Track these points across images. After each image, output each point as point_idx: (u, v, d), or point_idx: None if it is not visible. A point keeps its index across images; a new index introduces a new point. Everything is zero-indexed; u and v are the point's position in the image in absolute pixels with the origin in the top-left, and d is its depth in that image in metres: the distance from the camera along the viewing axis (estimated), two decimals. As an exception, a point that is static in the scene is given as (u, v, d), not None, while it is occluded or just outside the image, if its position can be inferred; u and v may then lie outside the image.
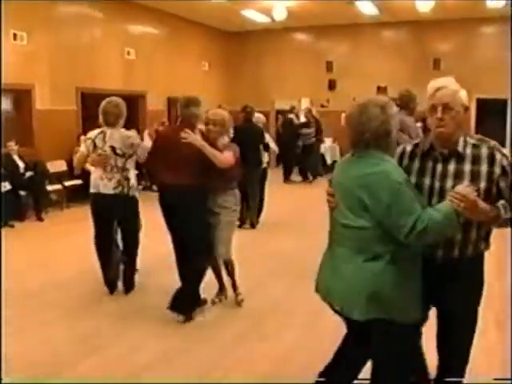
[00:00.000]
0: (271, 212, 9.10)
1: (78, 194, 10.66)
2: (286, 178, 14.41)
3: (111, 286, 5.54)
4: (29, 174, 9.54)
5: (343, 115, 12.25)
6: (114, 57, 12.52)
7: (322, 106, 16.45)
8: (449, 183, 2.79)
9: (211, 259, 5.09)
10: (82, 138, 10.80)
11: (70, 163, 10.82)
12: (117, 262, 5.62)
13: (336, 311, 3.04)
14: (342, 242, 2.88)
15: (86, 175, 10.48)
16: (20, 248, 7.47)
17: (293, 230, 8.52)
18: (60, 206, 10.33)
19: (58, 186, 10.33)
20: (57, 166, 10.68)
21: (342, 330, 4.68)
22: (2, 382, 3.64)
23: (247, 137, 8.00)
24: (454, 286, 2.92)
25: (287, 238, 7.95)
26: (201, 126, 5.10)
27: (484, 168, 2.75)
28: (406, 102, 5.88)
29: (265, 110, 14.82)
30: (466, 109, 2.82)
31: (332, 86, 16.49)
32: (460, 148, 2.80)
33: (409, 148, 3.00)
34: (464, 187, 2.60)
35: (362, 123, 2.71)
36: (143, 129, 10.03)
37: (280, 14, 13.48)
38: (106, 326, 4.82)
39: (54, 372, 3.93)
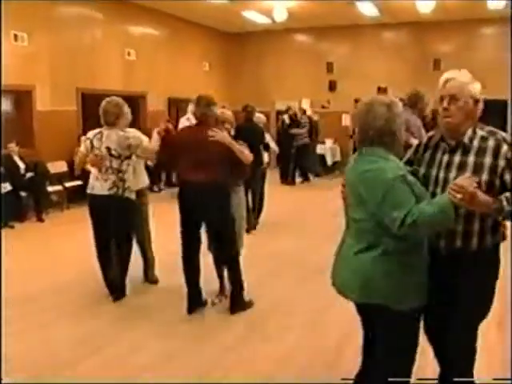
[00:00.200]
0: (271, 212, 9.09)
1: (79, 195, 10.64)
2: (282, 178, 14.20)
3: (111, 287, 5.47)
4: (29, 174, 9.55)
5: (344, 116, 12.37)
6: (115, 57, 12.52)
7: (323, 106, 16.46)
8: (452, 174, 2.82)
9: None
10: (82, 138, 10.83)
11: (70, 164, 10.83)
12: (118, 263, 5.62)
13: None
14: (350, 233, 3.01)
15: (86, 176, 10.52)
16: (20, 249, 7.48)
17: (292, 231, 8.52)
18: (60, 206, 10.33)
19: (58, 187, 10.34)
20: (57, 166, 10.68)
21: (342, 329, 4.70)
22: (2, 382, 3.65)
23: (248, 136, 7.99)
24: (457, 278, 2.94)
25: (287, 238, 7.95)
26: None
27: (488, 160, 2.76)
28: (414, 102, 5.93)
29: (265, 111, 14.81)
30: (477, 101, 2.82)
31: (332, 86, 16.50)
32: (466, 139, 2.83)
33: (424, 140, 3.08)
34: (463, 178, 2.60)
35: (368, 121, 2.79)
36: (144, 129, 10.03)
37: (280, 15, 13.48)
38: (106, 326, 4.82)
39: (54, 372, 3.93)
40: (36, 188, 9.47)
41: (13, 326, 4.66)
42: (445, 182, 2.82)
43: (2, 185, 8.77)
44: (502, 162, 2.74)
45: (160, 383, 3.83)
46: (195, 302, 5.14)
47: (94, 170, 5.35)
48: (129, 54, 12.91)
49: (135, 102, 12.73)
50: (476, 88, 2.83)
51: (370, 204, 2.73)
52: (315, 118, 15.67)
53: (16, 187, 9.14)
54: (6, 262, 6.28)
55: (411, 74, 14.76)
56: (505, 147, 2.75)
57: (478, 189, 2.58)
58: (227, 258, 5.16)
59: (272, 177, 12.21)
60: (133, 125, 5.82)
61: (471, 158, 2.81)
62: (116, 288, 5.44)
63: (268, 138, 9.30)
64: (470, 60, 14.52)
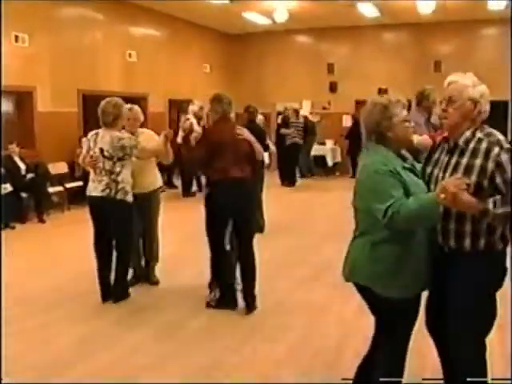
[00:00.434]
0: (270, 213, 9.09)
1: (80, 196, 10.63)
2: (281, 179, 14.02)
3: (103, 291, 5.37)
4: (30, 175, 9.55)
5: (344, 117, 12.36)
6: (116, 59, 12.53)
7: (324, 108, 16.48)
8: (448, 175, 2.88)
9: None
10: (83, 139, 10.86)
11: (71, 165, 10.87)
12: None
13: None
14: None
15: (86, 177, 10.56)
16: (21, 250, 7.48)
17: (292, 231, 8.51)
18: (61, 207, 10.33)
19: (59, 188, 10.34)
20: (58, 167, 10.69)
21: (343, 329, 4.70)
22: (2, 382, 3.65)
23: None
24: (450, 279, 2.97)
25: (287, 238, 7.94)
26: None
27: (478, 162, 2.78)
28: (419, 100, 6.03)
29: (266, 112, 14.86)
30: (476, 103, 2.84)
31: (333, 88, 16.51)
32: (461, 141, 2.87)
33: (438, 140, 3.15)
34: (452, 179, 2.67)
35: (366, 120, 3.04)
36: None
37: (281, 16, 13.51)
38: (107, 326, 4.82)
39: (53, 373, 3.93)
40: (37, 189, 9.47)
41: (13, 326, 4.66)
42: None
43: (3, 186, 8.77)
44: (491, 165, 2.75)
45: (160, 383, 3.83)
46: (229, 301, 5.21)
47: (91, 171, 5.37)
48: (130, 55, 12.92)
49: (136, 103, 12.66)
50: (478, 91, 2.85)
51: (360, 195, 2.98)
52: (313, 118, 15.68)
53: (17, 188, 9.14)
54: (7, 262, 6.27)
55: (412, 75, 14.75)
56: (495, 150, 2.76)
57: (466, 190, 2.61)
58: (250, 254, 5.20)
59: (272, 178, 12.23)
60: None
61: (465, 160, 2.84)
62: (108, 291, 5.37)
63: (267, 139, 9.31)
64: (471, 61, 14.53)
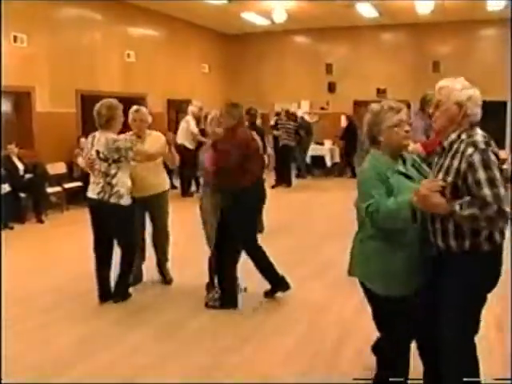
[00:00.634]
0: (269, 214, 9.08)
1: (78, 196, 10.65)
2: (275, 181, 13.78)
3: (100, 292, 5.37)
4: (28, 176, 9.54)
5: (343, 117, 12.37)
6: (114, 59, 12.53)
7: (322, 108, 16.49)
8: (432, 176, 3.00)
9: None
10: (82, 139, 10.84)
11: (69, 165, 10.86)
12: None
13: None
14: None
15: (85, 177, 10.55)
16: (20, 250, 7.47)
17: (292, 232, 8.51)
18: (60, 208, 10.32)
19: (57, 188, 10.33)
20: (56, 168, 10.68)
21: (343, 329, 4.70)
22: (2, 382, 3.65)
23: None
24: (440, 278, 3.01)
25: (286, 239, 7.94)
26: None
27: (455, 163, 2.84)
28: (422, 106, 6.08)
29: (265, 113, 14.86)
30: (462, 106, 2.88)
31: (332, 88, 16.52)
32: (446, 143, 2.95)
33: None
34: (426, 181, 2.83)
35: (363, 125, 3.23)
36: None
37: (280, 17, 13.51)
38: (107, 326, 4.82)
39: (53, 373, 3.93)
40: (35, 189, 9.46)
41: (13, 326, 4.67)
42: None
43: (2, 186, 8.76)
44: (464, 165, 2.79)
45: (160, 383, 3.83)
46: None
47: (91, 173, 5.37)
48: (128, 55, 12.92)
49: (135, 103, 12.71)
50: (465, 94, 2.90)
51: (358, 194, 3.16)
52: (311, 119, 15.68)
53: (15, 188, 9.13)
54: (6, 263, 6.27)
55: (410, 76, 14.78)
56: (469, 150, 2.79)
57: (442, 191, 2.73)
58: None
59: (271, 179, 12.22)
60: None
61: (447, 161, 2.91)
62: (105, 292, 5.38)
63: (266, 140, 9.32)
64: (470, 61, 14.58)
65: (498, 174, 2.73)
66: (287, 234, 8.30)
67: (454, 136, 2.91)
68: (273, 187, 12.76)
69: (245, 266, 5.46)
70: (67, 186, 10.48)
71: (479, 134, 2.88)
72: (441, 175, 2.88)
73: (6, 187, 8.91)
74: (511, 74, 13.44)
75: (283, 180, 13.60)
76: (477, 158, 2.75)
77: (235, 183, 5.14)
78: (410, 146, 3.43)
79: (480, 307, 3.06)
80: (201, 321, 4.94)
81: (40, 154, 10.31)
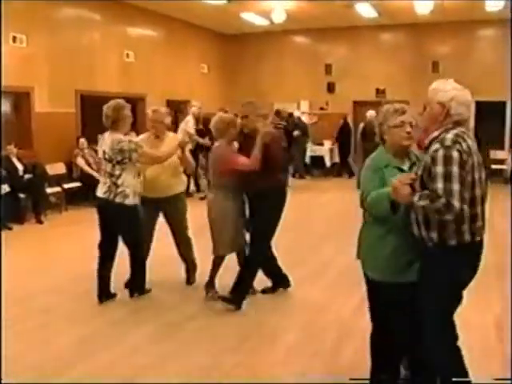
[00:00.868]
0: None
1: (77, 197, 10.68)
2: None
3: (99, 291, 5.39)
4: (28, 176, 9.53)
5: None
6: (113, 59, 12.52)
7: (321, 108, 16.48)
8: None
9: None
10: (82, 140, 10.83)
11: (68, 166, 10.86)
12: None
13: None
14: None
15: (85, 178, 10.57)
16: (19, 250, 7.46)
17: (291, 232, 8.50)
18: (59, 208, 10.31)
19: (57, 189, 10.32)
20: (56, 168, 10.67)
21: (342, 329, 4.70)
22: (3, 382, 3.65)
23: None
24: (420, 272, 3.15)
25: (286, 239, 7.93)
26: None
27: (426, 158, 2.98)
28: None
29: (264, 113, 14.77)
30: (444, 106, 3.00)
31: (331, 88, 16.51)
32: (427, 141, 3.07)
33: None
34: (400, 175, 3.06)
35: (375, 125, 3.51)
36: (143, 132, 10.03)
37: (279, 17, 13.50)
38: (106, 326, 4.82)
39: (53, 373, 3.93)
40: (34, 190, 9.45)
41: (13, 326, 4.67)
42: None
43: (1, 186, 8.75)
44: (428, 159, 2.94)
45: (160, 383, 3.83)
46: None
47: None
48: (127, 55, 12.91)
49: (134, 103, 12.73)
50: (448, 94, 3.00)
51: None
52: (310, 119, 15.67)
53: (14, 189, 9.11)
54: (6, 263, 6.26)
55: (409, 76, 14.78)
56: (435, 146, 2.92)
57: (412, 184, 2.91)
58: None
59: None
60: (132, 127, 5.80)
61: (425, 158, 3.01)
62: (104, 291, 5.40)
63: None
64: (469, 62, 14.58)
65: (456, 171, 2.82)
66: (286, 234, 8.27)
67: (435, 134, 3.01)
68: None
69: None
70: (66, 186, 10.48)
71: (452, 133, 2.95)
72: (420, 170, 3.02)
73: (5, 188, 8.90)
74: (511, 74, 13.44)
75: None
76: (440, 153, 2.87)
77: (272, 182, 5.20)
78: (413, 145, 3.47)
79: (447, 301, 3.12)
80: (200, 321, 4.95)
81: (39, 155, 10.30)
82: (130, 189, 5.18)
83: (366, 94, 15.61)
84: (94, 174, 10.58)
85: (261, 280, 5.57)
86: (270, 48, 16.88)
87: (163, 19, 14.05)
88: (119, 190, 5.14)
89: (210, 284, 5.46)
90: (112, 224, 5.32)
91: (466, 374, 3.15)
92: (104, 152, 5.19)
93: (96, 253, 5.41)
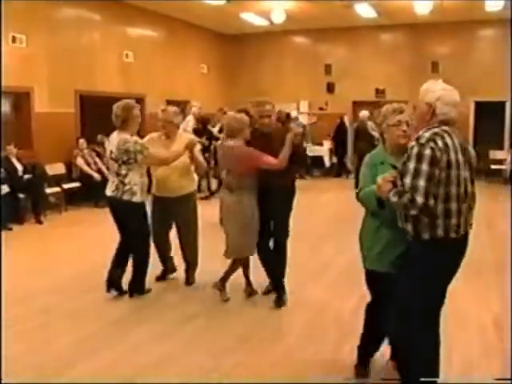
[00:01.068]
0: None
1: (77, 197, 10.68)
2: None
3: (107, 282, 5.51)
4: (27, 176, 9.53)
5: (345, 118, 12.14)
6: (113, 59, 12.52)
7: (321, 108, 16.48)
8: None
9: None
10: (82, 140, 10.83)
11: (68, 166, 10.85)
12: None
13: None
14: None
15: (84, 178, 10.57)
16: (19, 251, 7.45)
17: (290, 232, 8.50)
18: (59, 208, 10.29)
19: (56, 189, 10.31)
20: (55, 168, 10.66)
21: (342, 329, 4.70)
22: (3, 382, 3.65)
23: None
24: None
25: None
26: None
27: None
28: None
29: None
30: (430, 106, 3.10)
31: (330, 88, 16.51)
32: (414, 139, 3.12)
33: None
34: (388, 172, 3.20)
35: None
36: (142, 132, 10.02)
37: (279, 17, 13.51)
38: (106, 326, 4.81)
39: (53, 373, 3.93)
40: (34, 190, 9.44)
41: (13, 326, 4.67)
42: None
43: (1, 186, 8.75)
44: (406, 156, 3.03)
45: (160, 383, 3.83)
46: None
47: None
48: (127, 55, 12.91)
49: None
50: (435, 94, 3.09)
51: None
52: (308, 120, 15.67)
53: (14, 189, 9.11)
54: (5, 263, 6.26)
55: (409, 76, 14.77)
56: (412, 144, 3.03)
57: (393, 181, 3.06)
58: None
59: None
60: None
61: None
62: (111, 283, 5.50)
63: None
64: (468, 62, 14.59)
65: (425, 168, 2.90)
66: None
67: (421, 133, 3.08)
68: None
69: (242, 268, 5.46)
70: (66, 186, 10.47)
71: (431, 131, 3.03)
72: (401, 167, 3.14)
73: (5, 188, 8.89)
74: (511, 74, 13.44)
75: None
76: (414, 150, 2.96)
77: (292, 177, 5.52)
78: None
79: (422, 293, 3.16)
80: (200, 321, 4.95)
81: (39, 155, 10.30)
82: (137, 186, 5.26)
83: (366, 94, 15.62)
84: (94, 174, 10.62)
85: (261, 280, 5.57)
86: (270, 48, 16.88)
87: (163, 19, 14.05)
88: (126, 187, 5.22)
89: (223, 283, 5.48)
90: (121, 221, 5.42)
91: (432, 371, 3.27)
92: (111, 152, 5.25)
93: (95, 253, 5.42)
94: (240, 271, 5.50)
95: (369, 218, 3.58)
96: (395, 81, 15.25)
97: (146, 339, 4.54)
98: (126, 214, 5.34)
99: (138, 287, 5.54)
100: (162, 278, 6.05)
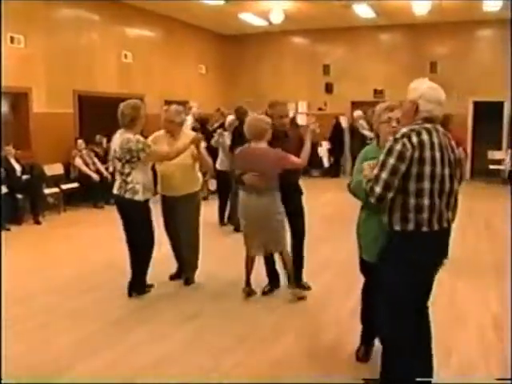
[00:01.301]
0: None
1: (75, 197, 10.66)
2: None
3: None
4: (26, 177, 9.51)
5: (341, 118, 12.32)
6: (111, 60, 12.51)
7: (320, 109, 16.47)
8: None
9: None
10: (80, 141, 10.81)
11: (66, 166, 10.84)
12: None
13: None
14: None
15: (83, 178, 10.56)
16: (18, 251, 7.44)
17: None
18: (57, 209, 10.28)
19: (55, 189, 10.29)
20: (54, 169, 10.65)
21: (341, 329, 4.70)
22: (3, 382, 3.64)
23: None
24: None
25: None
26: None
27: None
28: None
29: (262, 113, 14.77)
30: (414, 103, 3.18)
31: (329, 89, 16.52)
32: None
33: None
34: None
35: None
36: (140, 132, 10.02)
37: (277, 17, 13.51)
38: (106, 327, 4.80)
39: (53, 373, 3.92)
40: (32, 190, 9.43)
41: (13, 326, 4.66)
42: None
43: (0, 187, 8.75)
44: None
45: (160, 383, 3.83)
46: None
47: None
48: (125, 56, 12.89)
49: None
50: (418, 92, 3.17)
51: None
52: (304, 121, 15.68)
53: (12, 189, 9.10)
54: (5, 264, 6.25)
55: (408, 77, 14.56)
56: (390, 138, 3.15)
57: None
58: None
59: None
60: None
61: None
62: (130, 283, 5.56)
63: None
64: (467, 62, 14.61)
65: (391, 162, 3.02)
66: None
67: (403, 129, 3.15)
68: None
69: (241, 268, 5.46)
70: (64, 187, 10.45)
71: (409, 127, 3.11)
72: None
73: (3, 188, 8.88)
74: (511, 74, 13.45)
75: None
76: (388, 144, 3.09)
77: (298, 178, 5.64)
78: None
79: (395, 283, 3.22)
80: (200, 321, 4.94)
81: (37, 155, 10.28)
82: (139, 185, 5.29)
83: (364, 95, 15.62)
84: (92, 174, 10.61)
85: (260, 280, 5.57)
86: (269, 49, 16.88)
87: (161, 19, 14.05)
88: (129, 186, 5.27)
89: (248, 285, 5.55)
90: (125, 219, 5.45)
91: (411, 367, 3.30)
92: (114, 151, 5.31)
93: (94, 253, 5.42)
94: (239, 271, 5.50)
95: (361, 209, 3.77)
96: (394, 81, 15.23)
97: (146, 339, 4.54)
98: (129, 212, 5.38)
99: (137, 287, 5.55)
100: (176, 276, 6.04)
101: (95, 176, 10.59)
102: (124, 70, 12.84)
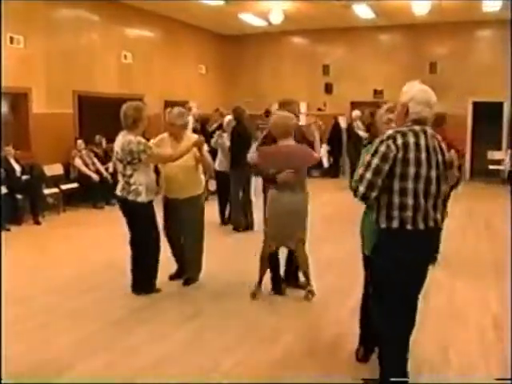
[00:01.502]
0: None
1: (75, 198, 10.66)
2: None
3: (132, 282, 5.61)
4: (25, 177, 9.51)
5: (340, 118, 12.37)
6: (111, 60, 12.50)
7: (319, 109, 16.47)
8: None
9: None
10: (80, 141, 10.81)
11: (66, 167, 10.83)
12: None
13: None
14: None
15: (82, 179, 10.55)
16: (18, 251, 7.44)
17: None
18: (57, 209, 10.27)
19: (54, 190, 10.28)
20: (53, 169, 10.65)
21: (340, 329, 4.70)
22: (2, 382, 3.64)
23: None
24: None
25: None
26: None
27: None
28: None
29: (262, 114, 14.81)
30: (404, 106, 3.27)
31: (329, 89, 16.51)
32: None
33: None
34: None
35: None
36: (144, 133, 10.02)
37: (277, 18, 13.51)
38: (106, 327, 4.80)
39: (53, 373, 3.92)
40: (32, 191, 9.42)
41: (13, 326, 4.66)
42: None
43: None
44: None
45: (160, 383, 3.83)
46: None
47: None
48: (125, 56, 12.89)
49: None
50: (408, 95, 3.25)
51: None
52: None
53: (12, 190, 9.09)
54: (5, 264, 6.25)
55: (407, 77, 14.55)
56: (376, 140, 3.23)
57: None
58: None
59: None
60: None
61: None
62: (134, 282, 5.59)
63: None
64: (466, 62, 14.60)
65: (375, 162, 3.12)
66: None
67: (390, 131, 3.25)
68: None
69: (241, 268, 5.46)
70: (64, 187, 10.45)
71: (395, 129, 3.21)
72: None
73: (3, 189, 8.87)
74: (511, 75, 13.45)
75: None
76: (375, 145, 3.17)
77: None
78: None
79: (382, 278, 3.31)
80: (200, 321, 4.94)
81: (37, 156, 10.28)
82: (142, 186, 5.32)
83: (364, 95, 15.61)
84: (92, 175, 10.61)
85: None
86: (268, 49, 16.88)
87: (161, 20, 14.05)
88: (132, 188, 5.30)
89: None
90: (128, 220, 5.48)
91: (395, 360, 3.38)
92: (116, 152, 5.32)
93: (94, 253, 5.42)
94: (240, 271, 5.50)
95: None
96: (393, 81, 15.18)
97: (146, 339, 4.54)
98: (133, 214, 5.41)
99: (146, 287, 5.58)
100: (176, 276, 6.03)
101: (95, 176, 10.60)
102: (124, 70, 12.83)
